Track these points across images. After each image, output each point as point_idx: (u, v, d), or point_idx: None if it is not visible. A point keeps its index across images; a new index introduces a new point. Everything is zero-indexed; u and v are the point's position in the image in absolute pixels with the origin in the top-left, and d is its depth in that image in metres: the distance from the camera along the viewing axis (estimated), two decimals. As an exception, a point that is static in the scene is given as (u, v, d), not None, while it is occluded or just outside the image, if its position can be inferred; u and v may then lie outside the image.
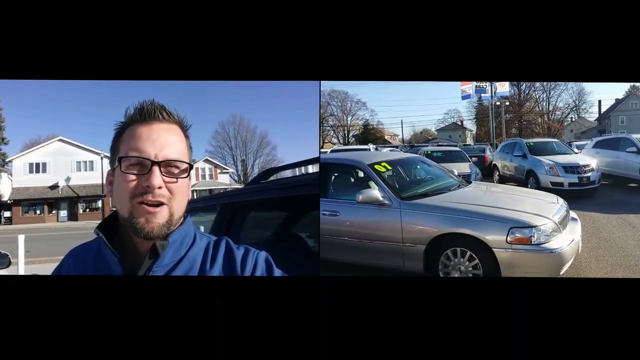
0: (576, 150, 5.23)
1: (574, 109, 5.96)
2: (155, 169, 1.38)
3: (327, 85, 4.95)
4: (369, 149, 5.08)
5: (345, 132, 5.30)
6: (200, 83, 3.16)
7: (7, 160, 5.25)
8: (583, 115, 6.01)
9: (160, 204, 1.40)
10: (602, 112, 5.88)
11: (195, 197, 4.85)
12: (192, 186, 4.84)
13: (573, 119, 6.05)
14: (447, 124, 5.99)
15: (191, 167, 1.48)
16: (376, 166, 3.57)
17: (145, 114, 1.44)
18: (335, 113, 5.11)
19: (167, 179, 1.41)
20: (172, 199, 1.42)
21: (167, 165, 1.41)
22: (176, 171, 1.43)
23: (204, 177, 5.16)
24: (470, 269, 3.11)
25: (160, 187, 1.39)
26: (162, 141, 1.41)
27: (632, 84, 5.29)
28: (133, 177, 1.39)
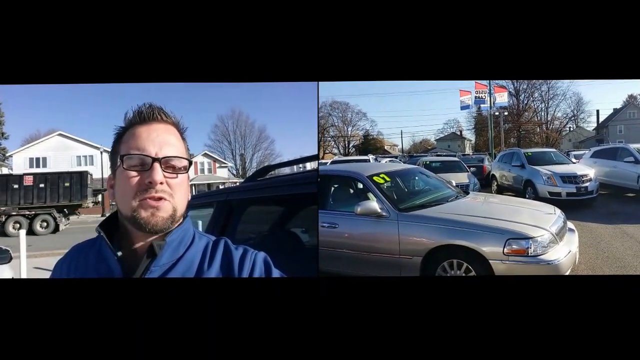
0: (574, 160, 5.23)
1: (572, 118, 5.99)
2: (157, 165, 1.45)
3: (328, 96, 4.98)
4: (369, 160, 5.09)
5: (346, 142, 5.34)
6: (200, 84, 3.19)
7: (7, 155, 5.25)
8: (581, 125, 6.03)
9: (162, 199, 1.45)
10: (600, 122, 5.90)
11: (193, 193, 4.83)
12: (191, 180, 4.86)
13: (571, 129, 6.08)
14: (446, 134, 6.01)
15: (190, 163, 1.56)
16: (375, 178, 3.57)
17: (145, 116, 1.51)
18: (337, 124, 5.15)
19: (167, 175, 1.47)
20: (173, 194, 1.48)
21: (167, 161, 1.47)
22: (176, 167, 1.50)
23: (202, 171, 5.13)
24: (467, 280, 3.11)
25: (161, 183, 1.45)
26: (162, 140, 1.49)
27: (629, 93, 5.32)
28: (135, 174, 1.45)
